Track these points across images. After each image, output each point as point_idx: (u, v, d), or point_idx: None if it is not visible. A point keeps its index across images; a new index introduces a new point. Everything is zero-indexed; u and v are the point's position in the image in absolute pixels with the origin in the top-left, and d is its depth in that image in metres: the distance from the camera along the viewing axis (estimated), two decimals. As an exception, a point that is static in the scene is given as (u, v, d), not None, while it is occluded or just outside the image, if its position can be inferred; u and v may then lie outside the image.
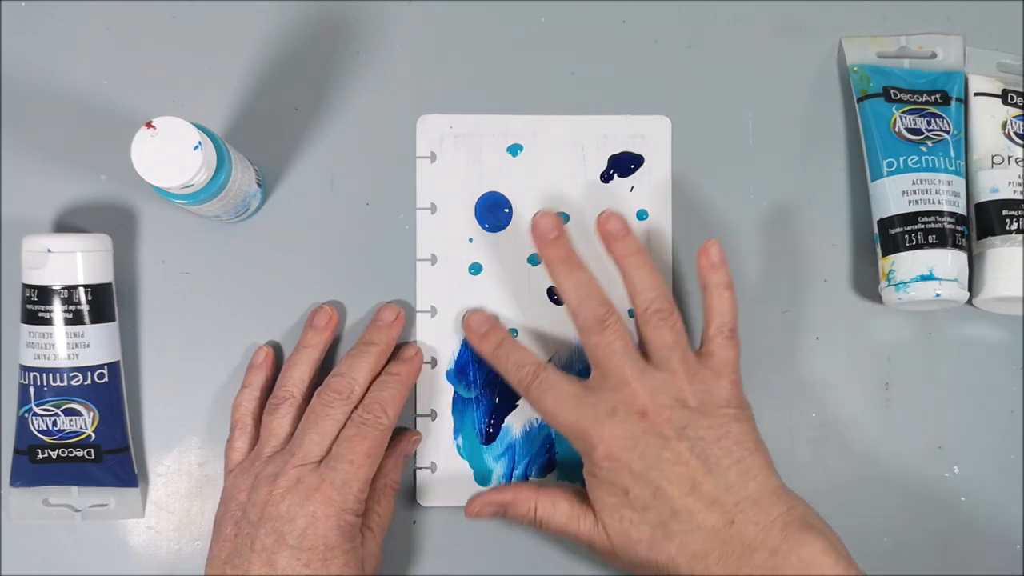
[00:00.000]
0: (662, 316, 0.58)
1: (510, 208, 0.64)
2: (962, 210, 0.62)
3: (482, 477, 0.63)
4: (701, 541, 0.54)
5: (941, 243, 0.61)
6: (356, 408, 0.59)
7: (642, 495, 0.55)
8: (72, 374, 0.59)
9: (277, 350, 0.63)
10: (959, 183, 0.62)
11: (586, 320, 0.58)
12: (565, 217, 0.64)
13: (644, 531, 0.55)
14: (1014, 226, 0.62)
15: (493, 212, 0.64)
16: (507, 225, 0.64)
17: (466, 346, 0.64)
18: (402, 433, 0.62)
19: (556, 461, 0.64)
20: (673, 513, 0.55)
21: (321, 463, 0.57)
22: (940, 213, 0.61)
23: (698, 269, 0.60)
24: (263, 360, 0.62)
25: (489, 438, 0.64)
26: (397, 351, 0.63)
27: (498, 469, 0.64)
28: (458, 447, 0.64)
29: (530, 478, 0.63)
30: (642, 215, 0.65)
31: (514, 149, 0.65)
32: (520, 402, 0.64)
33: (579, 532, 0.58)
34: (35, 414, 0.59)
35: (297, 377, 0.60)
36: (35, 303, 0.58)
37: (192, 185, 0.54)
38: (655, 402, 0.56)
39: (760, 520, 0.54)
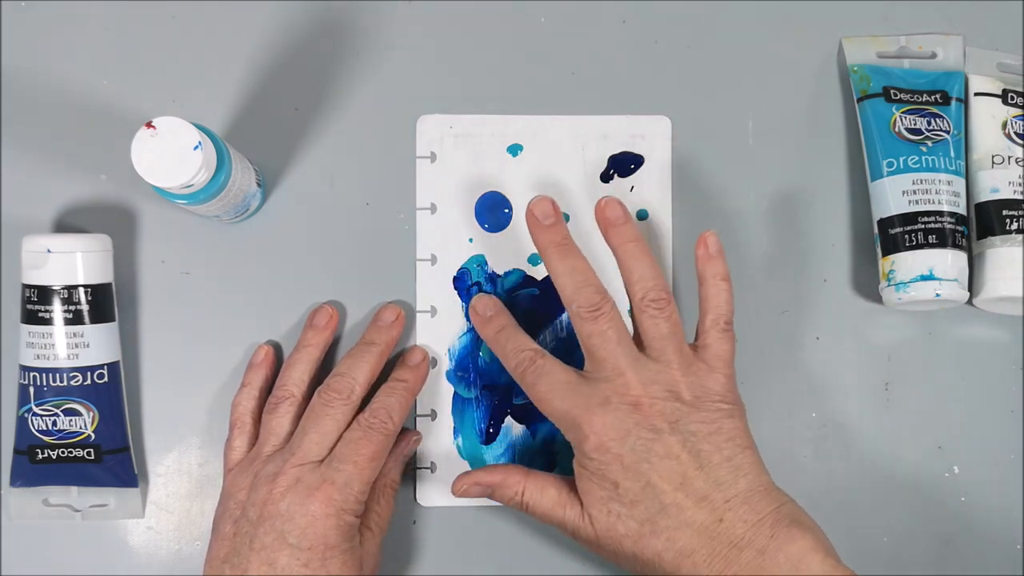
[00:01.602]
0: (659, 306, 0.57)
1: (510, 208, 0.64)
2: (962, 210, 0.62)
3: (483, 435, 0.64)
4: (688, 538, 0.54)
5: (941, 243, 0.61)
6: (360, 411, 0.59)
7: (632, 488, 0.55)
8: (72, 374, 0.59)
9: (277, 349, 0.63)
10: (959, 183, 0.62)
11: (580, 307, 0.57)
12: (565, 218, 0.64)
13: (631, 526, 0.55)
14: (1014, 226, 0.62)
15: (493, 212, 0.64)
16: (507, 225, 0.64)
17: (466, 346, 0.64)
18: (403, 433, 0.62)
19: (556, 461, 0.64)
20: (662, 508, 0.54)
21: (322, 463, 0.57)
22: (940, 213, 0.61)
23: (695, 259, 0.59)
24: (263, 359, 0.62)
25: (489, 438, 0.64)
26: (404, 356, 0.63)
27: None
28: (458, 447, 0.64)
29: (530, 478, 0.64)
30: (642, 215, 0.65)
31: (514, 149, 0.65)
32: (519, 402, 0.64)
33: (564, 520, 0.57)
34: (35, 414, 0.59)
35: (297, 376, 0.60)
36: (35, 303, 0.58)
37: (192, 185, 0.54)
38: (648, 393, 0.55)
39: (749, 518, 0.54)
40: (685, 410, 0.55)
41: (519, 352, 0.59)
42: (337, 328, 0.63)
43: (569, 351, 0.64)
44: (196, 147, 0.53)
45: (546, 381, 0.57)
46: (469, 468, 0.63)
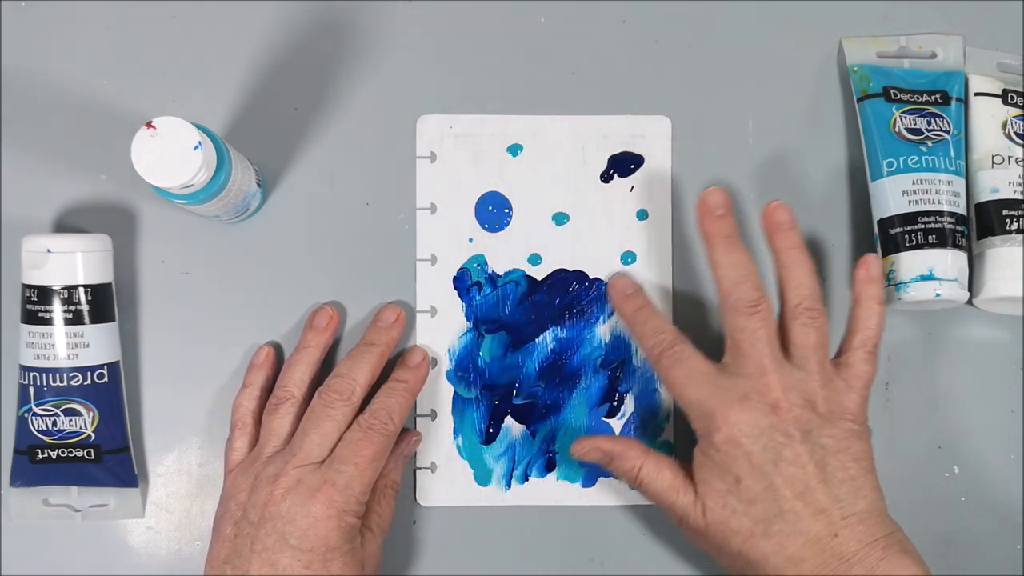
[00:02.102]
0: (812, 315, 0.57)
1: (510, 208, 0.64)
2: (962, 210, 0.62)
3: (482, 477, 0.63)
4: (800, 546, 0.54)
5: (941, 243, 0.61)
6: (360, 412, 0.59)
7: (753, 487, 0.55)
8: (72, 374, 0.59)
9: (278, 350, 0.63)
10: (959, 183, 0.62)
11: (738, 301, 0.57)
12: (565, 218, 0.64)
13: (745, 523, 0.55)
14: (1014, 226, 0.62)
15: (493, 212, 0.64)
16: (507, 225, 0.64)
17: (466, 346, 0.64)
18: (403, 433, 0.62)
19: (556, 461, 0.64)
20: (779, 513, 0.54)
21: (323, 464, 0.57)
22: (940, 213, 0.61)
23: (854, 280, 0.59)
24: (264, 360, 0.62)
25: (489, 438, 0.64)
26: (403, 356, 0.63)
27: (498, 469, 0.63)
28: (458, 447, 0.64)
29: (530, 479, 0.63)
30: (642, 215, 0.65)
31: (514, 149, 0.65)
32: (519, 402, 0.64)
33: (675, 504, 0.57)
34: (35, 414, 0.59)
35: (298, 377, 0.60)
36: (35, 303, 0.58)
37: (192, 185, 0.54)
38: (787, 399, 0.56)
39: (863, 538, 0.54)
40: (819, 422, 0.56)
41: (658, 333, 0.59)
42: (337, 329, 0.63)
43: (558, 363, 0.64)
44: (196, 147, 0.53)
45: (684, 367, 0.57)
46: (469, 468, 0.63)
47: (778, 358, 0.57)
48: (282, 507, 0.55)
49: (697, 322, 0.64)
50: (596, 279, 0.64)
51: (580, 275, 0.64)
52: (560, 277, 0.64)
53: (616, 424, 0.64)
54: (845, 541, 0.54)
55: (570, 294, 0.64)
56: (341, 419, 0.58)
